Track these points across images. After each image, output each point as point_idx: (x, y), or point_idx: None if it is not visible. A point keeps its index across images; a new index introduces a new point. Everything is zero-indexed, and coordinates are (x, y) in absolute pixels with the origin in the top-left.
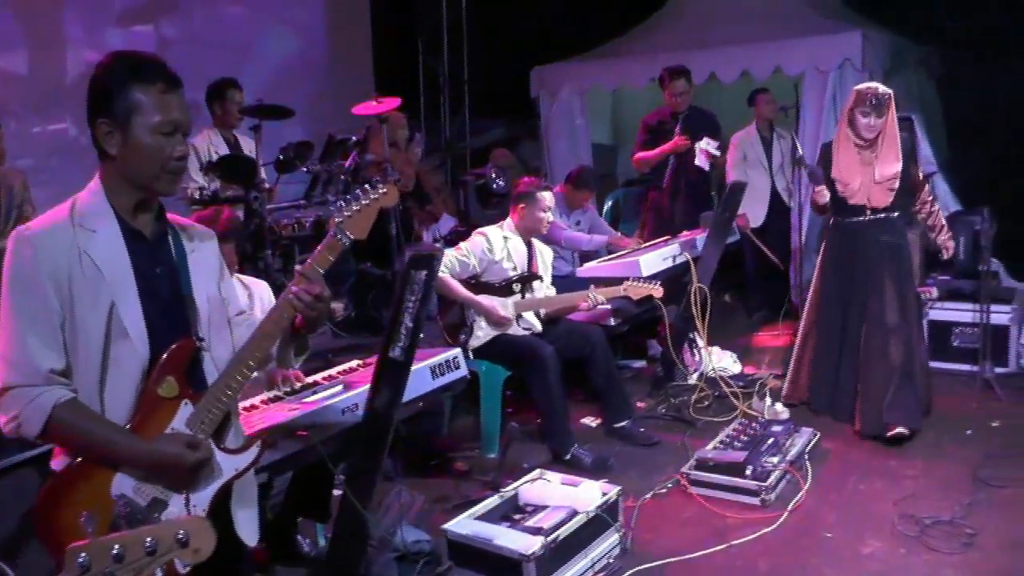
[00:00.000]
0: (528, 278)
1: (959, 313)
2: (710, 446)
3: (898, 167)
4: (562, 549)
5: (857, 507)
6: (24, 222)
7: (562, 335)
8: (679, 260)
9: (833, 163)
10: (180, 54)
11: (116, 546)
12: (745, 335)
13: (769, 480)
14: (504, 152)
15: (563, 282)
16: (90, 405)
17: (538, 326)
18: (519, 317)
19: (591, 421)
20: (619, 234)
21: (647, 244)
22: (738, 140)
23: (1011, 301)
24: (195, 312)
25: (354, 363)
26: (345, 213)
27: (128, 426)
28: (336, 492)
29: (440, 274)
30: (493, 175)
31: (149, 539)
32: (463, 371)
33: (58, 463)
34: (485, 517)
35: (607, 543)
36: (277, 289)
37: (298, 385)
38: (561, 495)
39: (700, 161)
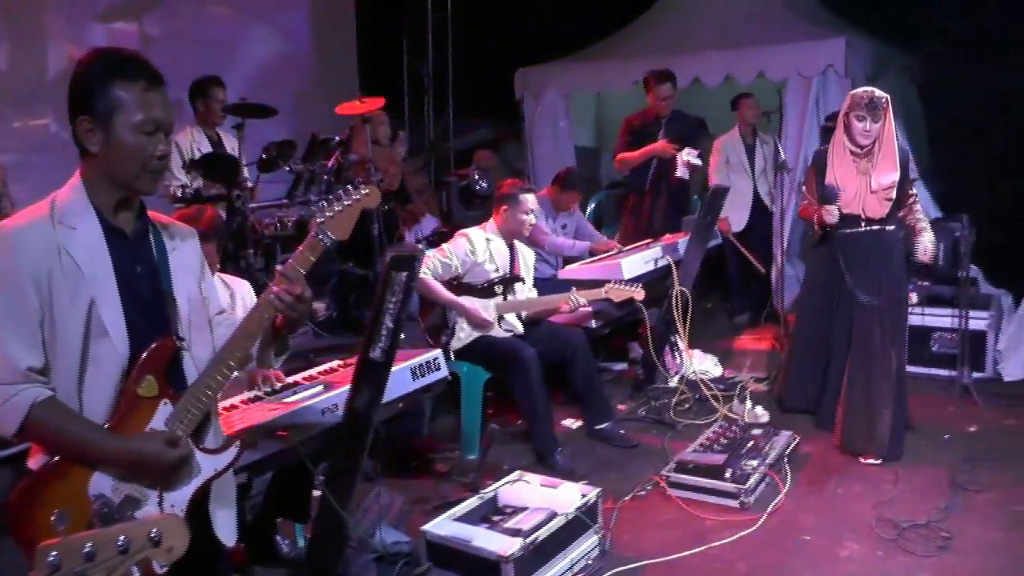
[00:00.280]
0: (510, 280)
1: (938, 319)
2: (690, 449)
3: (895, 176)
4: (541, 551)
5: (835, 510)
6: (3, 218)
7: (544, 337)
8: (661, 263)
9: (828, 170)
10: (163, 51)
11: (88, 544)
12: (726, 338)
13: (748, 483)
14: (487, 153)
15: (545, 284)
16: (69, 404)
17: (520, 328)
18: (501, 319)
19: (572, 423)
20: (604, 239)
21: (629, 247)
22: (721, 144)
23: (989, 307)
24: (176, 311)
25: (335, 363)
26: (327, 213)
27: (107, 425)
28: (315, 493)
29: (422, 275)
30: (476, 176)
31: (122, 537)
32: (444, 372)
33: (36, 462)
34: (464, 518)
35: (586, 545)
36: (259, 288)
37: (278, 385)
38: (541, 497)
39: (680, 172)
